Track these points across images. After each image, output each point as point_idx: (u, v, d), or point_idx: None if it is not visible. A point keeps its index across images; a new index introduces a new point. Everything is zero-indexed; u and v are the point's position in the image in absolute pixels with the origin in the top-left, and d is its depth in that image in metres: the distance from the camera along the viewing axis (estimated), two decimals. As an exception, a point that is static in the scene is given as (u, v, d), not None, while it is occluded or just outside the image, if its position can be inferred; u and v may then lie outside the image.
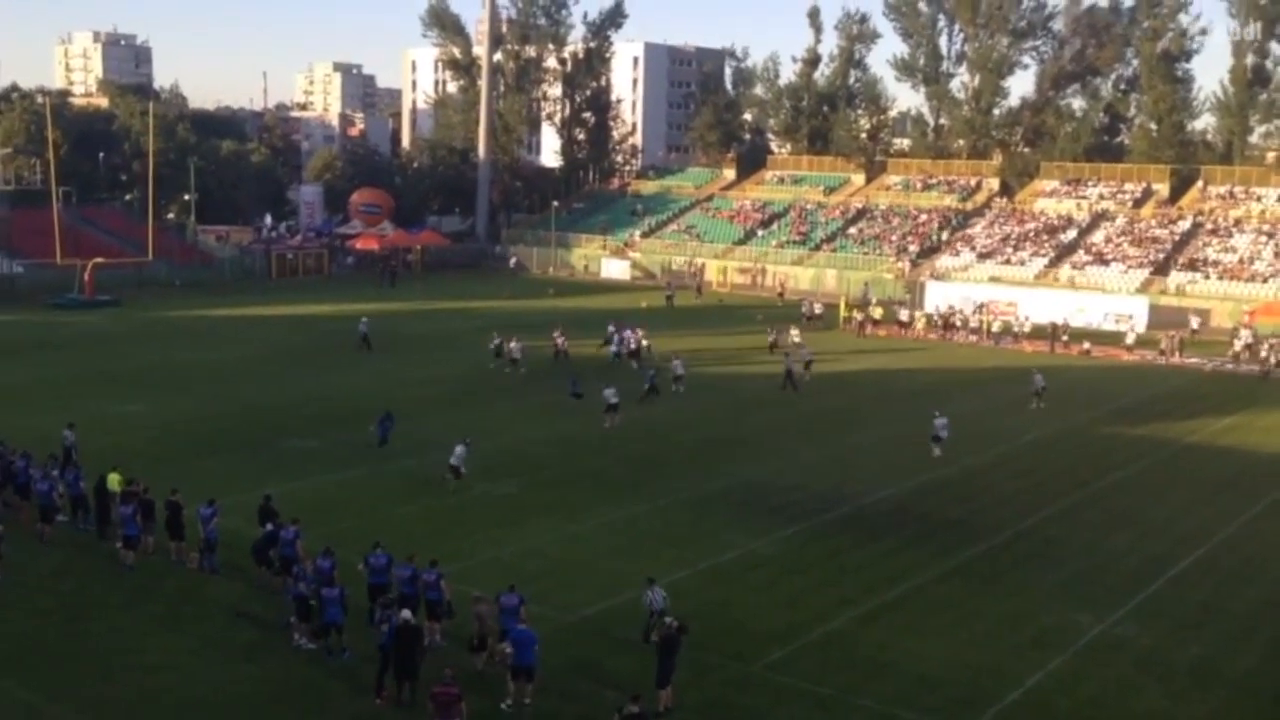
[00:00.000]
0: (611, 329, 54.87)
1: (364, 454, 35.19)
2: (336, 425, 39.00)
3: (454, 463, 31.57)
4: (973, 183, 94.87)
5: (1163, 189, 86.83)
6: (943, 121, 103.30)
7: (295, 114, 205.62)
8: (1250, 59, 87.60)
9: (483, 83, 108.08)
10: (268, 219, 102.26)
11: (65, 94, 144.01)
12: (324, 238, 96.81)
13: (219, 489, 27.91)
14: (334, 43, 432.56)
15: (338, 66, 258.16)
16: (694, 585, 25.00)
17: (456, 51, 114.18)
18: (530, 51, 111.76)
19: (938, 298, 73.11)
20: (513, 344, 49.72)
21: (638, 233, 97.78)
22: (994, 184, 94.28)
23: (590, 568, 26.04)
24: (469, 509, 30.23)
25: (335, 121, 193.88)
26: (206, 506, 25.23)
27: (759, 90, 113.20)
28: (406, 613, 19.78)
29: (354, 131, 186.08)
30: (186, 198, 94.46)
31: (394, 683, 19.32)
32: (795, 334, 56.35)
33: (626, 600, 23.74)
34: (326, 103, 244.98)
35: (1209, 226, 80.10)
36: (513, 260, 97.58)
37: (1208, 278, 73.49)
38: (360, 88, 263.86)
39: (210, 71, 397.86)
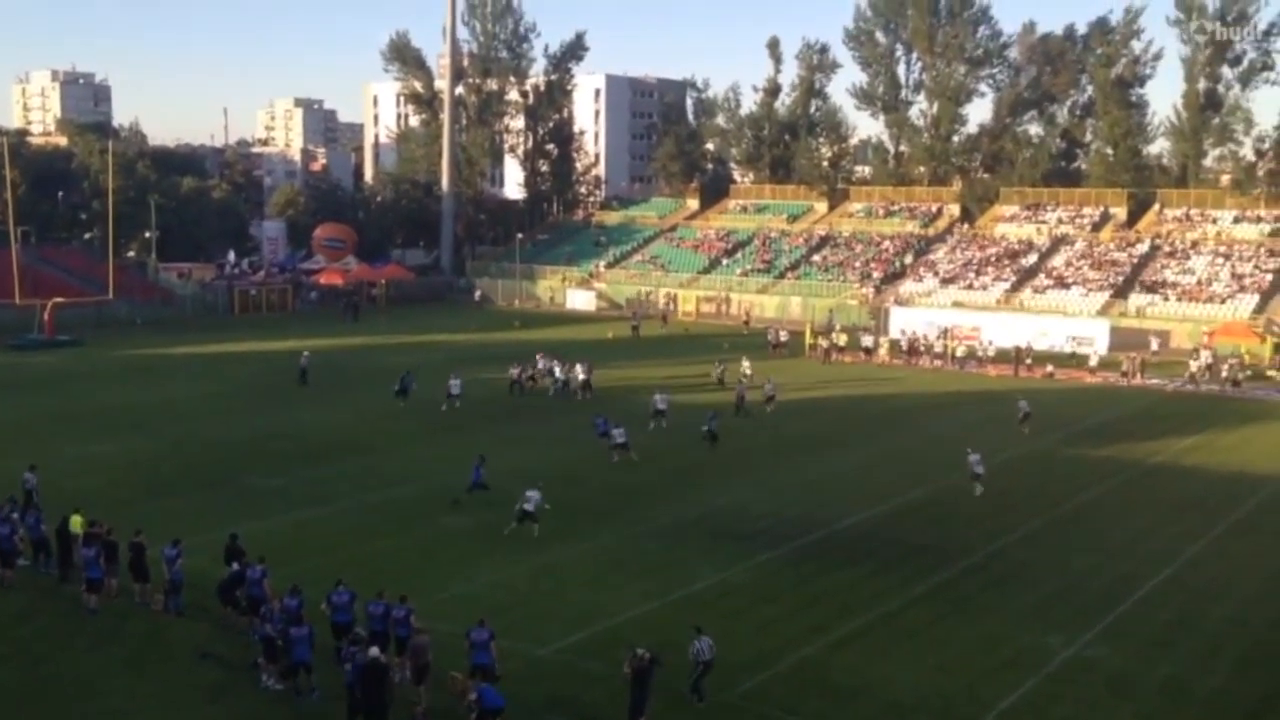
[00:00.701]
0: (541, 362, 54.97)
1: (331, 491, 34.90)
2: (302, 462, 38.66)
3: (529, 509, 30.09)
4: (934, 209, 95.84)
5: (1120, 213, 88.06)
6: (903, 149, 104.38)
7: (257, 150, 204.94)
8: (1202, 83, 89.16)
9: (445, 116, 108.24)
10: (230, 255, 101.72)
11: (23, 133, 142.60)
12: (287, 273, 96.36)
13: (184, 529, 27.53)
14: (295, 78, 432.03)
15: (299, 102, 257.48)
16: (666, 615, 24.89)
17: (418, 85, 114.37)
18: (492, 84, 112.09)
19: (902, 323, 73.60)
20: (452, 381, 48.85)
21: (602, 263, 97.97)
22: (955, 210, 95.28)
23: (561, 600, 25.88)
24: (438, 543, 30.00)
25: (297, 157, 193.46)
26: (171, 547, 24.89)
27: (721, 120, 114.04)
28: (375, 650, 19.57)
29: (316, 166, 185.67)
30: (147, 235, 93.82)
31: (363, 721, 19.09)
32: (746, 366, 55.99)
33: (598, 632, 23.63)
34: (288, 138, 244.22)
35: (1166, 249, 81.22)
36: (477, 293, 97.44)
37: (1166, 299, 74.44)
38: (322, 122, 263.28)
39: (170, 108, 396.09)
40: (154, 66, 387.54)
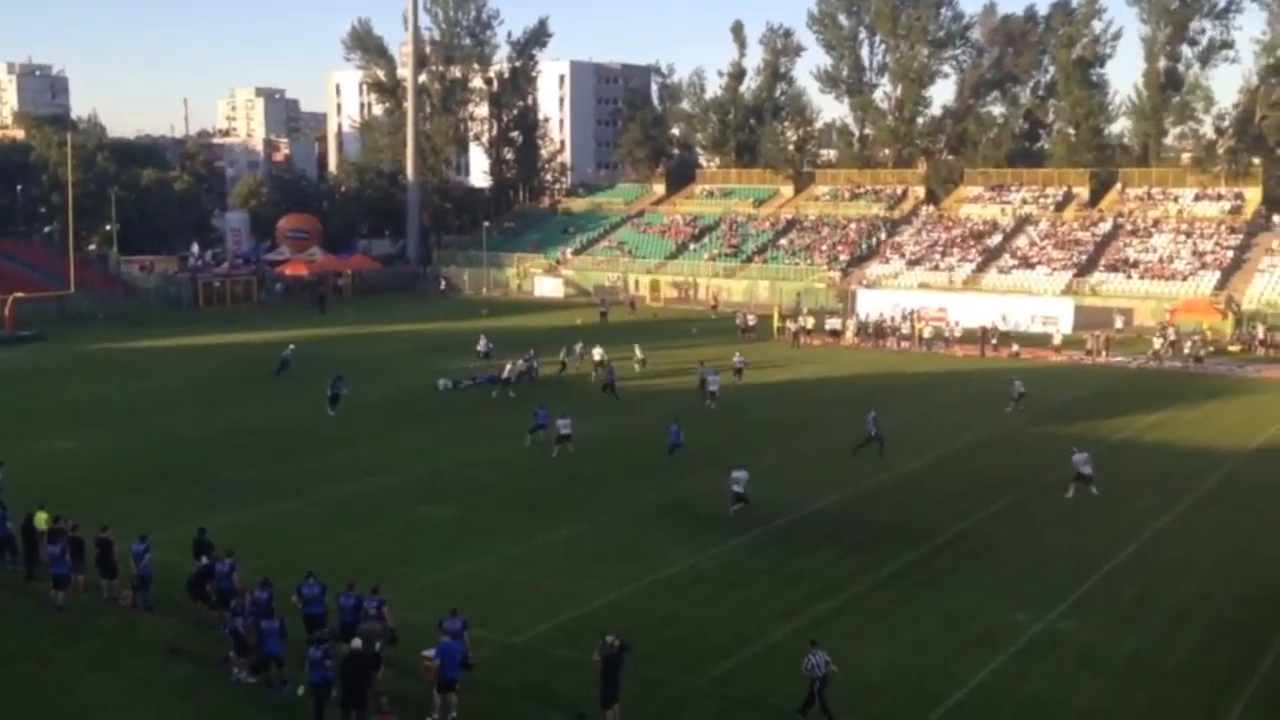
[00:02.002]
0: (483, 342, 56.63)
1: (300, 484, 34.73)
2: (271, 455, 38.44)
3: (739, 490, 31.00)
4: (899, 191, 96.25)
5: (1083, 192, 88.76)
6: (868, 131, 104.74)
7: (218, 140, 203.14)
8: (1162, 63, 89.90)
9: (408, 104, 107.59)
10: (194, 247, 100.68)
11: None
12: (252, 265, 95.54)
13: (151, 524, 27.34)
14: (256, 68, 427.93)
15: (260, 92, 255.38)
16: (637, 601, 24.97)
17: (381, 74, 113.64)
18: (455, 72, 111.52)
19: (869, 306, 73.96)
20: (560, 421, 39.09)
21: (569, 250, 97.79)
22: (920, 191, 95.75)
23: (533, 589, 25.89)
24: (409, 535, 29.93)
25: (259, 147, 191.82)
26: (139, 542, 24.69)
27: (686, 105, 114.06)
28: (357, 642, 19.59)
29: (279, 157, 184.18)
30: (108, 228, 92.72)
31: (342, 712, 19.05)
32: (597, 353, 54.12)
33: (569, 620, 23.67)
34: (250, 128, 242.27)
35: (1129, 228, 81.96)
36: (441, 283, 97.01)
37: (1129, 278, 75.14)
38: (284, 112, 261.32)
39: (129, 100, 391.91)
40: (112, 57, 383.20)
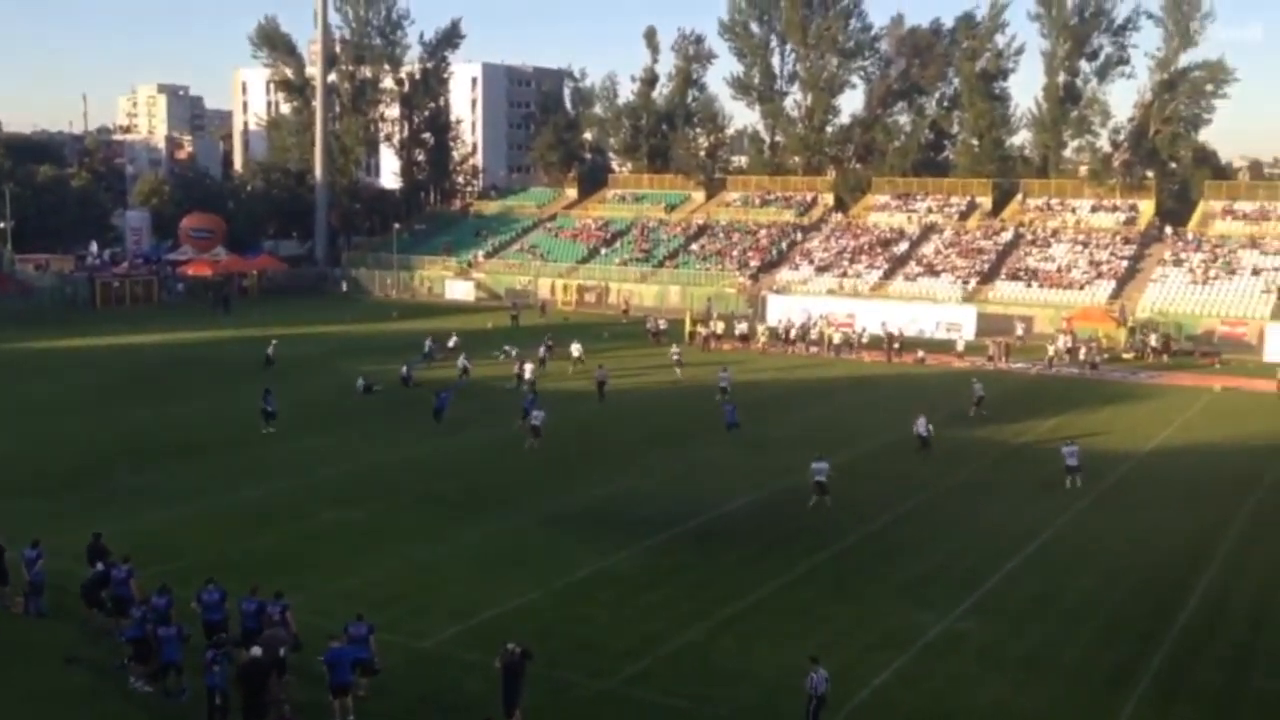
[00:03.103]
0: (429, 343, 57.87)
1: (202, 487, 33.97)
2: (171, 458, 37.55)
3: (820, 480, 32.72)
4: (809, 198, 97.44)
5: (986, 202, 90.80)
6: (778, 139, 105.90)
7: (119, 137, 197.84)
8: (1062, 77, 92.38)
9: (317, 104, 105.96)
10: (92, 246, 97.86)
11: None
12: (152, 264, 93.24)
13: (45, 530, 26.42)
14: (159, 63, 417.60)
15: (163, 88, 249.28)
16: (548, 605, 24.92)
17: (289, 72, 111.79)
18: (366, 72, 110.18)
19: (779, 311, 74.73)
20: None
21: (481, 253, 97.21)
22: (829, 199, 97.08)
23: (442, 593, 25.66)
24: (318, 538, 29.47)
25: (162, 145, 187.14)
26: (31, 549, 23.96)
27: (598, 110, 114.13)
28: (257, 649, 19.21)
29: (182, 155, 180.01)
30: (1, 225, 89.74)
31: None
32: (528, 369, 52.37)
33: (480, 624, 23.53)
34: (152, 125, 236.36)
35: (1029, 237, 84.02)
36: (343, 285, 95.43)
37: (1029, 286, 77.01)
38: (188, 109, 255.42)
39: (25, 95, 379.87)
40: (8, 52, 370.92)
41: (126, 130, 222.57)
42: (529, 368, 51.24)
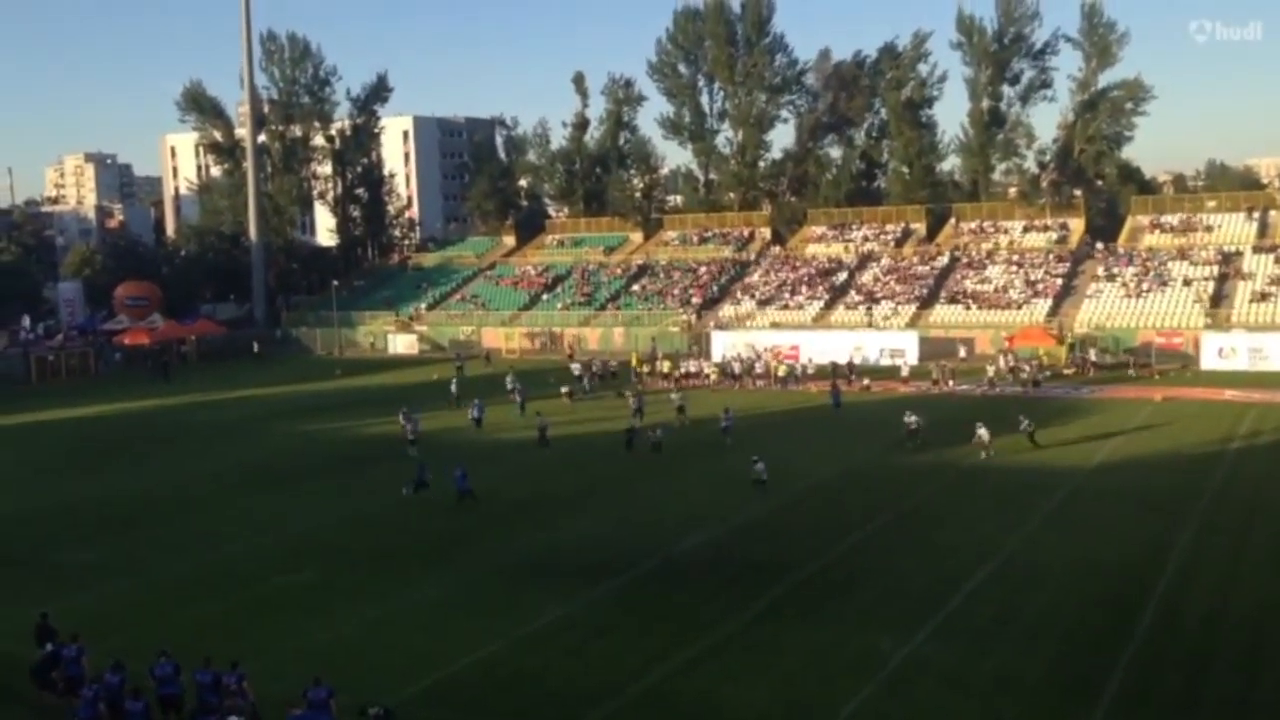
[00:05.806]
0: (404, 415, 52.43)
1: (147, 558, 33.21)
2: (113, 530, 36.72)
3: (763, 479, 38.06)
4: (746, 233, 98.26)
5: (920, 228, 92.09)
6: (712, 176, 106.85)
7: (47, 209, 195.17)
8: (985, 102, 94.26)
9: (248, 165, 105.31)
10: (24, 320, 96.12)
11: None
12: (88, 336, 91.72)
13: (-13, 612, 25.76)
14: (84, 132, 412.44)
15: (90, 157, 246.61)
16: (506, 655, 24.57)
17: (218, 134, 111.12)
18: (296, 131, 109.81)
19: (724, 347, 75.03)
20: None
21: (423, 305, 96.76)
22: (766, 233, 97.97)
23: (398, 650, 25.21)
24: (268, 603, 28.88)
25: (91, 214, 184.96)
26: (-26, 632, 23.27)
27: (532, 156, 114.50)
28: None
29: (113, 223, 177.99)
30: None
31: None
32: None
33: (437, 681, 23.15)
34: (81, 195, 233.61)
35: (965, 260, 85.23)
36: (255, 346, 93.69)
37: (969, 308, 78.01)
38: (116, 177, 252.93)
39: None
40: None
41: (55, 201, 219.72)
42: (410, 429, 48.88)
